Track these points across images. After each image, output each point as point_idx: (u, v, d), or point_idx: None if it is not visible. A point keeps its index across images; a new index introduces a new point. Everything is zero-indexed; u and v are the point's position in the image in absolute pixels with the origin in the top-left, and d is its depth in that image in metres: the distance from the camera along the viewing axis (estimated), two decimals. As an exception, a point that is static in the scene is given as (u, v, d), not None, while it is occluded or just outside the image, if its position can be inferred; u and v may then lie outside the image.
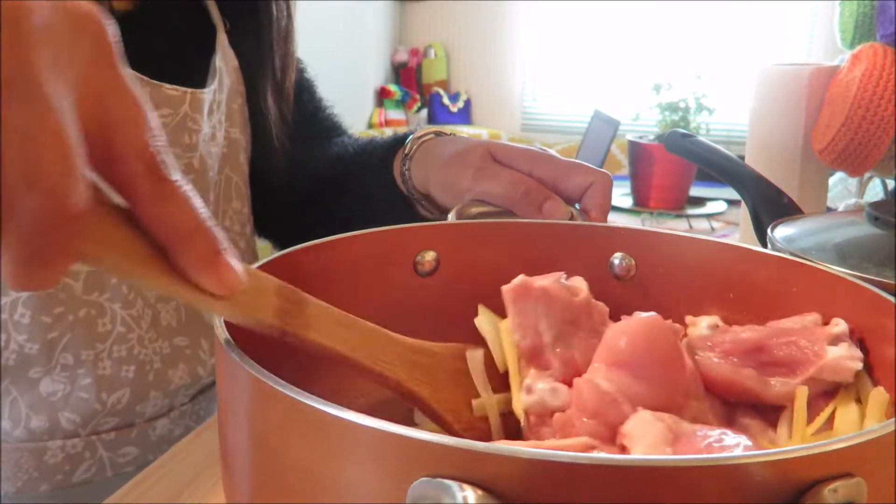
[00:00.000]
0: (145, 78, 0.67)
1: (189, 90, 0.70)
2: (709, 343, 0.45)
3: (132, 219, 0.28)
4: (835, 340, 0.43)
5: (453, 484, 0.25)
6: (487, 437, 0.42)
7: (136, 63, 0.65)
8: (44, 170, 0.24)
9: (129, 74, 0.28)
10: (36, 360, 0.65)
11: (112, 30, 0.27)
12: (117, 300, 0.67)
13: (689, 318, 0.50)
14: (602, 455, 0.26)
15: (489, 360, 0.44)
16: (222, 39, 0.76)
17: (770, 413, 0.43)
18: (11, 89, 0.23)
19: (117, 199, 0.28)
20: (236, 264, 0.31)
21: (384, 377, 0.38)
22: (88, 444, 0.68)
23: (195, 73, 0.72)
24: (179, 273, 0.29)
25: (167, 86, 0.68)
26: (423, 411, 0.41)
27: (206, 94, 0.72)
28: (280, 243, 0.89)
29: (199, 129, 0.71)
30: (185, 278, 0.30)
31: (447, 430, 0.40)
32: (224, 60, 0.76)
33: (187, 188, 0.29)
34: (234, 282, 0.30)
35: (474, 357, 0.43)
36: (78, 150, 0.25)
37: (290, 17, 0.80)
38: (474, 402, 0.42)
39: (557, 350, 0.43)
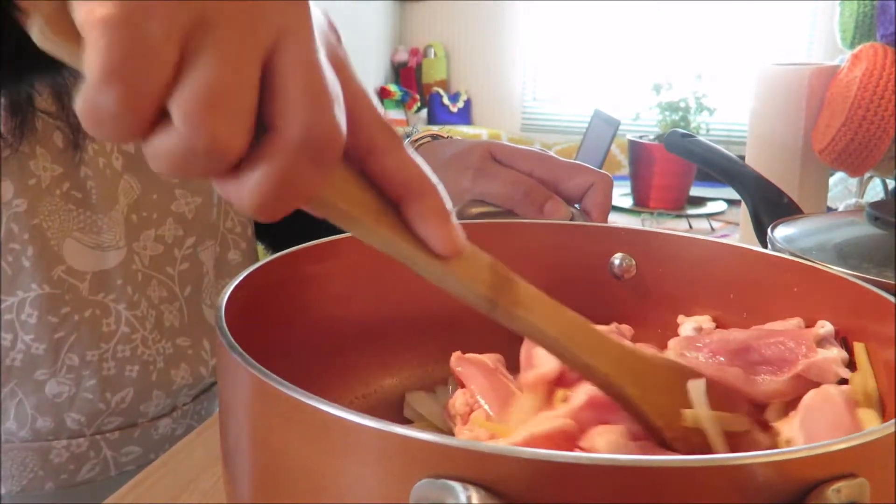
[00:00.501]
0: None
1: None
2: (697, 344, 0.45)
3: (361, 176, 0.31)
4: (821, 342, 0.43)
5: (456, 485, 0.25)
6: (704, 451, 0.38)
7: None
8: (323, 97, 0.27)
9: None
10: (42, 361, 0.65)
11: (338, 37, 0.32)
12: (122, 301, 0.68)
13: (679, 318, 0.50)
14: (603, 455, 0.26)
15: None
16: None
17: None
18: (299, 34, 0.28)
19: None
20: (461, 230, 0.32)
21: (591, 368, 0.36)
22: (93, 443, 0.69)
23: None
24: (406, 227, 0.31)
25: None
26: (630, 412, 0.37)
27: None
28: (274, 247, 0.89)
29: None
30: (412, 232, 0.31)
31: (655, 435, 0.37)
32: None
33: (416, 155, 0.32)
34: (458, 242, 0.32)
35: (696, 387, 0.39)
36: (341, 93, 0.29)
37: None
38: (687, 412, 0.38)
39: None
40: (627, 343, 0.39)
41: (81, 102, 0.25)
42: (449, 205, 0.32)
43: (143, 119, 0.25)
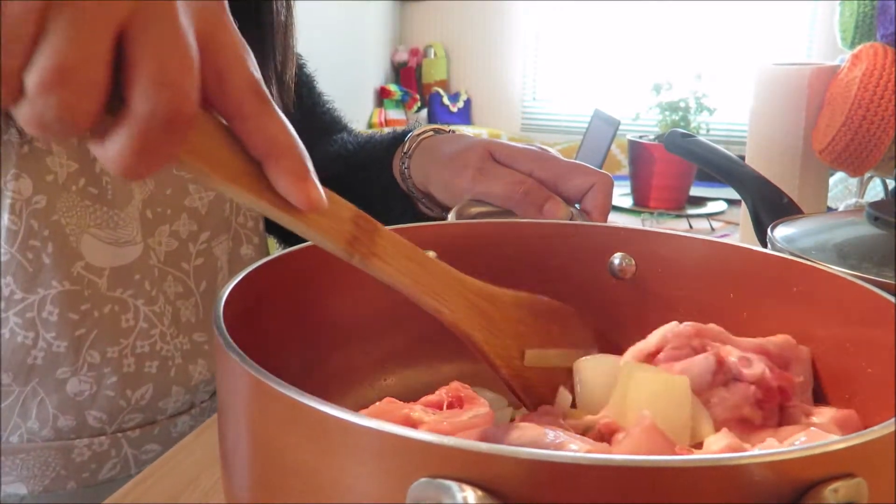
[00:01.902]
0: None
1: None
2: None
3: (228, 137, 0.33)
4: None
5: (453, 484, 0.25)
6: (532, 387, 0.44)
7: None
8: (172, 72, 0.29)
9: (232, 22, 0.33)
10: (64, 360, 0.66)
11: None
12: (140, 296, 0.69)
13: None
14: (602, 455, 0.26)
15: None
16: None
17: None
18: (154, 9, 0.29)
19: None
20: (321, 187, 0.34)
21: (441, 313, 0.40)
22: (114, 441, 0.69)
23: None
24: (268, 186, 0.33)
25: None
26: (475, 352, 0.42)
27: None
28: (284, 240, 0.90)
29: None
30: (274, 191, 0.33)
31: (496, 372, 0.42)
32: None
33: (282, 116, 0.33)
34: (317, 199, 0.34)
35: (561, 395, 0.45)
36: (197, 64, 0.30)
37: (289, 9, 0.81)
38: (527, 353, 0.43)
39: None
40: (480, 285, 0.42)
41: None
42: (308, 163, 0.34)
43: (9, 91, 0.28)
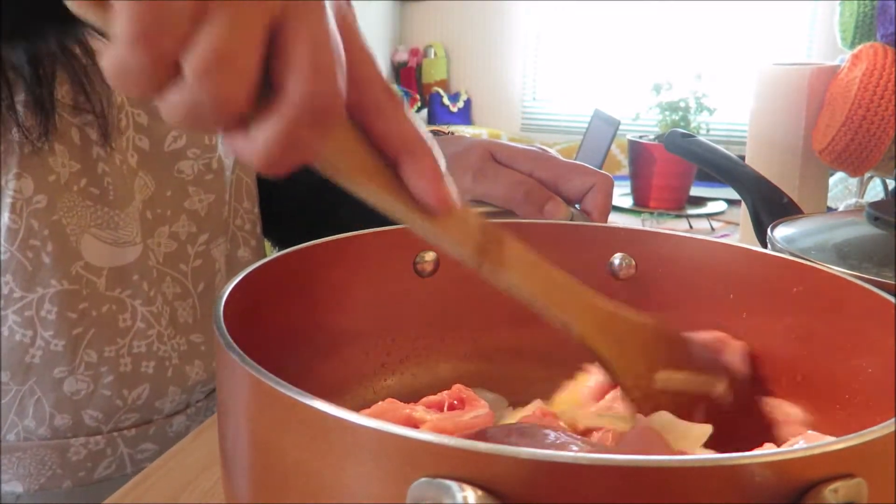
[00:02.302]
0: None
1: None
2: None
3: (363, 137, 0.33)
4: None
5: (453, 484, 0.25)
6: (659, 407, 0.42)
7: None
8: (326, 63, 0.29)
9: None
10: (61, 359, 0.66)
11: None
12: (138, 297, 0.69)
13: None
14: (602, 455, 0.26)
15: None
16: None
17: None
18: (307, 5, 0.30)
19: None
20: (455, 189, 0.34)
21: (570, 327, 0.39)
22: (110, 440, 0.69)
23: None
24: (401, 186, 0.33)
25: None
26: (604, 369, 0.41)
27: None
28: (281, 244, 0.90)
29: None
30: (406, 191, 0.33)
31: (625, 392, 0.41)
32: None
33: (416, 117, 0.34)
34: (450, 201, 0.34)
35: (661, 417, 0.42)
36: (344, 59, 0.30)
37: None
38: (659, 375, 0.42)
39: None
40: (611, 304, 0.41)
41: (109, 60, 0.28)
42: (443, 165, 0.33)
43: (163, 75, 0.29)
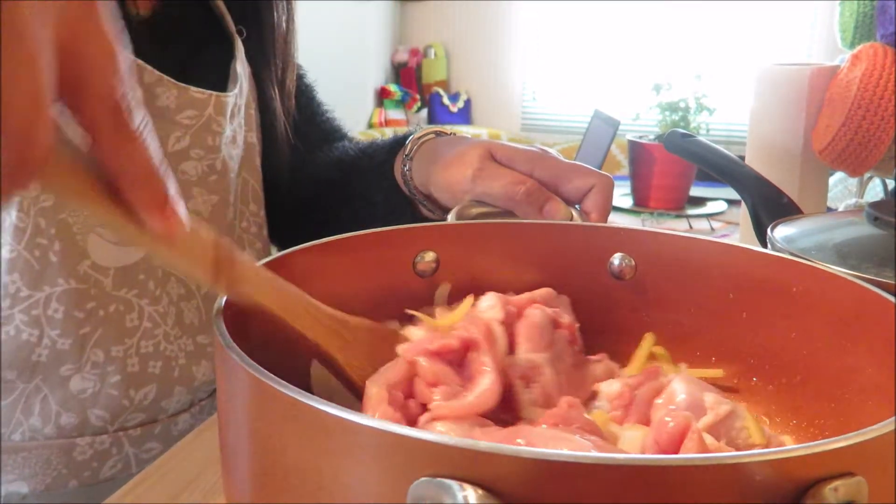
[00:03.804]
0: (173, 80, 0.68)
1: (214, 93, 0.71)
2: None
3: (91, 154, 0.31)
4: None
5: (454, 484, 0.25)
6: None
7: (161, 66, 0.67)
8: (14, 118, 0.25)
9: (110, 25, 0.29)
10: (68, 357, 0.66)
11: None
12: (145, 296, 0.69)
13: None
14: (602, 455, 0.26)
15: None
16: (239, 47, 0.77)
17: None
18: None
19: (78, 134, 0.30)
20: (183, 214, 0.33)
21: (305, 337, 0.42)
22: (115, 440, 0.70)
23: (213, 79, 0.74)
24: (129, 211, 0.32)
25: (193, 88, 0.70)
26: (337, 375, 0.44)
27: (230, 97, 0.73)
28: (283, 247, 0.90)
29: (222, 132, 0.73)
30: (134, 217, 0.32)
31: (355, 393, 0.44)
32: (242, 66, 0.77)
33: (148, 135, 0.31)
34: (176, 227, 0.33)
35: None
36: (49, 91, 0.27)
37: (290, 17, 0.81)
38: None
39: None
40: (337, 313, 0.44)
41: None
42: (168, 189, 0.32)
43: None
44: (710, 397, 0.42)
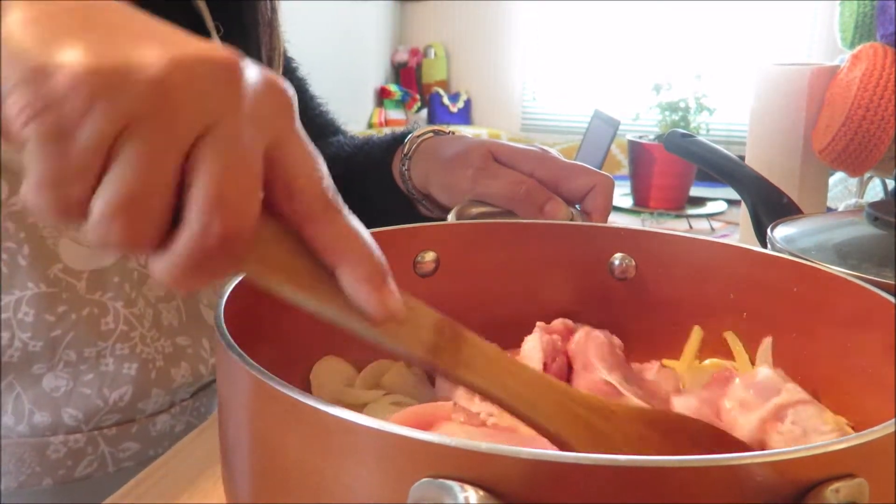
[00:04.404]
0: None
1: None
2: None
3: (299, 245, 0.32)
4: None
5: (455, 484, 0.25)
6: None
7: None
8: (230, 194, 0.29)
9: (301, 129, 0.33)
10: (39, 357, 0.65)
11: (291, 93, 0.32)
12: (119, 299, 0.68)
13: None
14: (602, 455, 0.26)
15: None
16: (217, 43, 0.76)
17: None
18: (219, 130, 0.29)
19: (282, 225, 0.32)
20: (398, 294, 0.32)
21: (540, 427, 0.35)
22: (90, 439, 0.68)
23: None
24: (340, 294, 0.31)
25: None
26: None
27: None
28: None
29: None
30: (346, 300, 0.31)
31: None
32: None
33: (357, 222, 0.32)
34: (394, 308, 0.32)
35: None
36: (259, 182, 0.30)
37: (273, 10, 0.80)
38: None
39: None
40: (590, 397, 0.37)
41: (23, 194, 0.28)
42: (384, 269, 0.32)
43: (74, 214, 0.29)
44: (790, 385, 0.41)
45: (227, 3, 0.77)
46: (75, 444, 0.68)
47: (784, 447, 0.37)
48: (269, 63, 0.81)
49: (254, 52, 0.79)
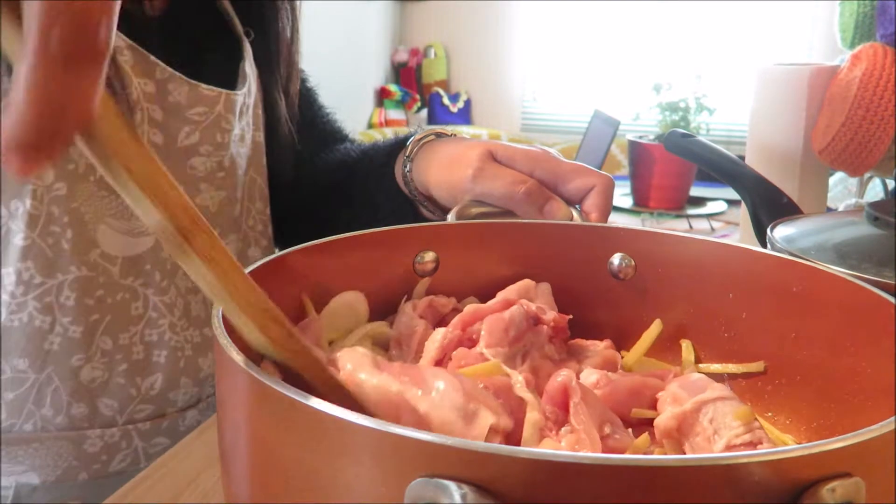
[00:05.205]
0: (184, 77, 0.70)
1: (224, 91, 0.74)
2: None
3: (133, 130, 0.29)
4: None
5: (451, 484, 0.25)
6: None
7: (171, 64, 0.68)
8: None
9: None
10: (78, 346, 0.68)
11: None
12: (150, 286, 0.71)
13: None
14: (602, 455, 0.26)
15: None
16: (247, 48, 0.79)
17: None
18: None
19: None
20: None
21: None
22: (125, 433, 0.72)
23: (221, 80, 0.75)
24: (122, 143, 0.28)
25: (204, 86, 0.72)
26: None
27: (239, 96, 0.76)
28: (285, 247, 0.91)
29: (231, 129, 0.75)
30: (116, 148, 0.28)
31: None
32: (251, 67, 0.79)
33: None
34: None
35: None
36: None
37: (294, 27, 0.84)
38: None
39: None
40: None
41: None
42: None
43: None
44: (717, 385, 0.42)
45: (251, 17, 0.81)
46: (111, 439, 0.71)
47: (699, 439, 0.40)
48: (289, 77, 0.86)
49: (275, 66, 0.83)
